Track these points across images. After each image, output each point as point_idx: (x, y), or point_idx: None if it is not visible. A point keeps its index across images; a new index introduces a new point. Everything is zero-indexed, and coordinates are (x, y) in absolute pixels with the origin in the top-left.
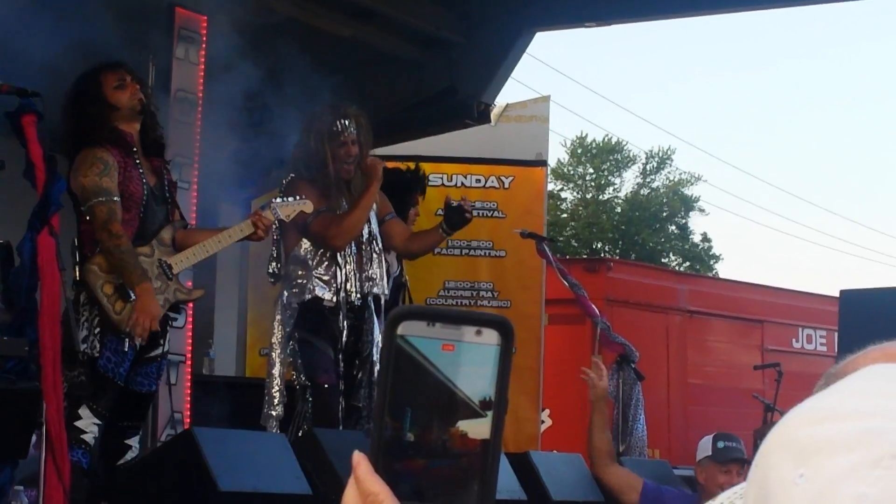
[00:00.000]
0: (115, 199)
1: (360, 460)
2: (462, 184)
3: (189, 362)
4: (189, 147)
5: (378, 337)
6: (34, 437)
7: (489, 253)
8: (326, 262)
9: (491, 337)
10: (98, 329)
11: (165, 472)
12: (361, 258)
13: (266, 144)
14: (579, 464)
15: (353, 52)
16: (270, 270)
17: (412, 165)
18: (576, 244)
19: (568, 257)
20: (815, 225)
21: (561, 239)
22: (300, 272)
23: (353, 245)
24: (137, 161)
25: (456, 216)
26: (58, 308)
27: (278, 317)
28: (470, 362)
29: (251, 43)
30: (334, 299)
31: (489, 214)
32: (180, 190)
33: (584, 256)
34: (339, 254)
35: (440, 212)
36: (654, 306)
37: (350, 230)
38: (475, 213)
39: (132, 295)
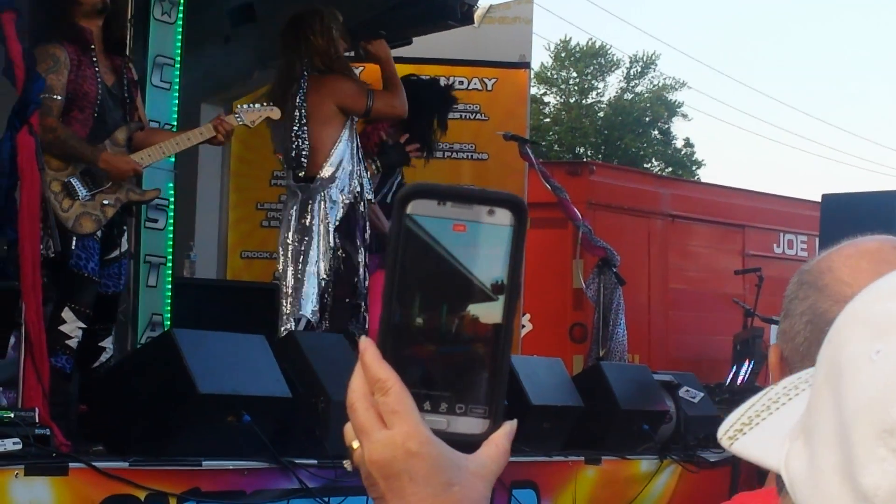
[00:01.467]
0: (56, 97)
1: (367, 346)
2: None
3: (169, 265)
4: (171, 47)
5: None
6: (12, 339)
7: (471, 156)
8: (354, 163)
9: (504, 217)
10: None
11: (145, 375)
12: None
13: (249, 45)
14: (559, 368)
15: None
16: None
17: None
18: (558, 148)
19: (550, 161)
20: (798, 130)
21: (543, 143)
22: (345, 169)
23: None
24: (94, 59)
25: (395, 155)
26: (37, 208)
27: (313, 213)
28: (482, 243)
29: None
30: (363, 197)
31: (472, 117)
32: (162, 91)
33: (567, 160)
34: (358, 153)
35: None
36: (636, 210)
37: (404, 97)
38: (457, 115)
39: (82, 192)
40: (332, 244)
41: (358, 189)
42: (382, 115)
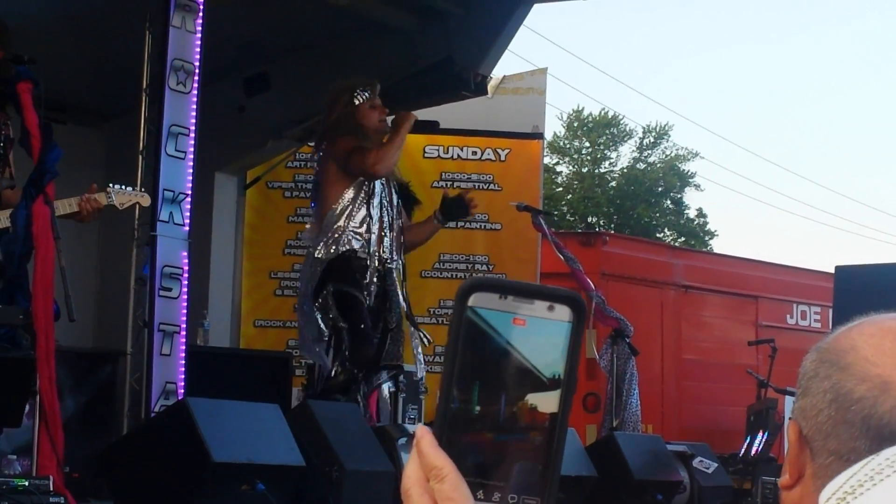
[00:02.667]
0: None
1: (423, 434)
2: (458, 156)
3: (183, 333)
4: (185, 117)
5: (402, 304)
6: (27, 407)
7: (485, 226)
8: (361, 217)
9: (563, 313)
10: None
11: (159, 443)
12: (393, 224)
13: (263, 114)
14: (573, 438)
15: (349, 22)
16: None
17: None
18: (570, 218)
19: (563, 231)
20: (811, 201)
21: (556, 213)
22: (337, 225)
23: (385, 208)
24: None
25: (456, 208)
26: (51, 277)
27: (308, 269)
28: (541, 338)
29: (248, 11)
30: (367, 252)
31: (485, 187)
32: (176, 160)
33: (580, 230)
34: (371, 209)
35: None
36: (649, 281)
37: (386, 158)
38: (471, 185)
39: None
40: (316, 287)
41: (356, 246)
42: (356, 172)
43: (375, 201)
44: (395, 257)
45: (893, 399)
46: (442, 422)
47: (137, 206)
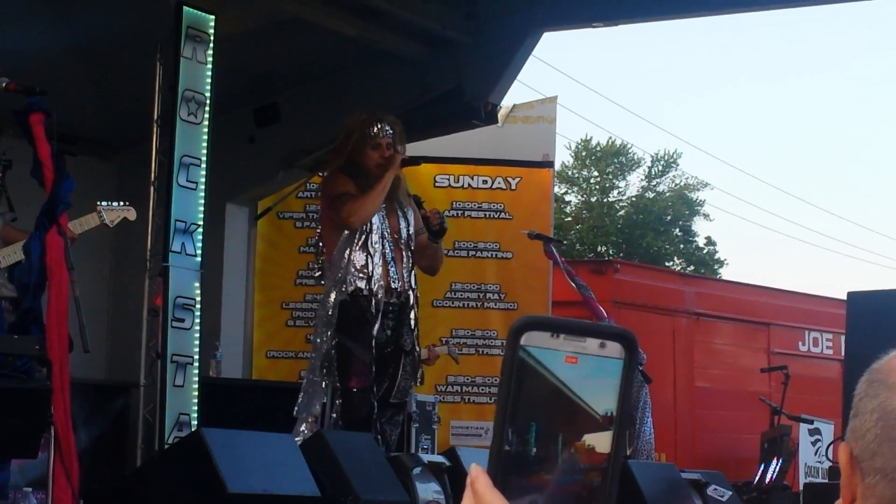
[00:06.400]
0: None
1: (478, 474)
2: (469, 185)
3: (196, 364)
4: (197, 148)
5: (416, 330)
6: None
7: (496, 255)
8: (360, 255)
9: (614, 350)
10: None
11: (174, 475)
12: (401, 254)
13: (273, 145)
14: None
15: (359, 52)
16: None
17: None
18: (580, 247)
19: (574, 259)
20: (822, 229)
21: (565, 242)
22: (339, 269)
23: (389, 242)
24: None
25: (429, 225)
26: (65, 308)
27: (323, 317)
28: (593, 375)
29: (259, 42)
30: (369, 288)
31: (496, 216)
32: (188, 190)
33: (590, 259)
34: (369, 245)
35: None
36: (661, 308)
37: (363, 209)
38: (482, 214)
39: None
40: (328, 336)
41: (360, 285)
42: (340, 221)
43: (375, 237)
44: (408, 285)
45: None
46: (496, 462)
47: (125, 219)
